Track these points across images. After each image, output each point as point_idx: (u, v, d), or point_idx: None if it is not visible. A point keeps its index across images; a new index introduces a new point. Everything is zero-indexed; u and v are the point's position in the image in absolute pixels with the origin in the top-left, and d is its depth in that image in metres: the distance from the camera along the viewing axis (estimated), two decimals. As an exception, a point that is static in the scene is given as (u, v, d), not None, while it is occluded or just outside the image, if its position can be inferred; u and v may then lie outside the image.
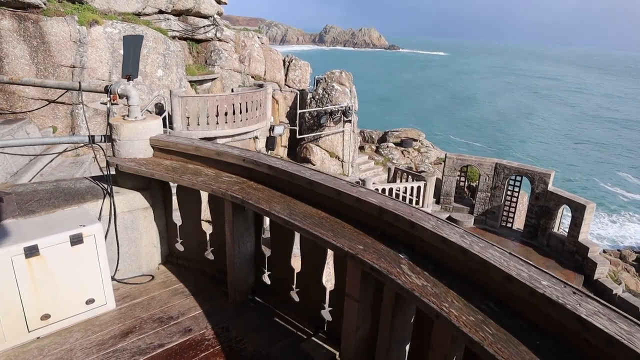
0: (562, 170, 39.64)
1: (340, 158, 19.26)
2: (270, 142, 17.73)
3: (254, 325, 3.54)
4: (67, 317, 3.42)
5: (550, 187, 15.49)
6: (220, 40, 17.30)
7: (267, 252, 3.84)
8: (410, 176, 17.67)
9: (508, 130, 58.69)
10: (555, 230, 15.80)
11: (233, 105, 14.62)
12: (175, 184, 3.92)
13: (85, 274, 3.45)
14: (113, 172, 4.08)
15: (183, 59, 14.88)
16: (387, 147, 23.17)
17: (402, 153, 23.09)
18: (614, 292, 13.62)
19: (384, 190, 16.44)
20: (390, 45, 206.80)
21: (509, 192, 16.78)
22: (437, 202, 18.00)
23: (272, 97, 18.37)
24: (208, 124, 14.24)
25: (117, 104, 4.07)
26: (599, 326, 1.67)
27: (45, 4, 11.04)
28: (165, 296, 3.92)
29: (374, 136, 24.54)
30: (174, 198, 4.29)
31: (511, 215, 16.96)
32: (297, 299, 3.62)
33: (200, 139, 13.69)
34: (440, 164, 21.01)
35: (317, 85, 19.40)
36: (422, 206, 16.68)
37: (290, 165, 3.43)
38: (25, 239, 3.13)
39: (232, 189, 3.41)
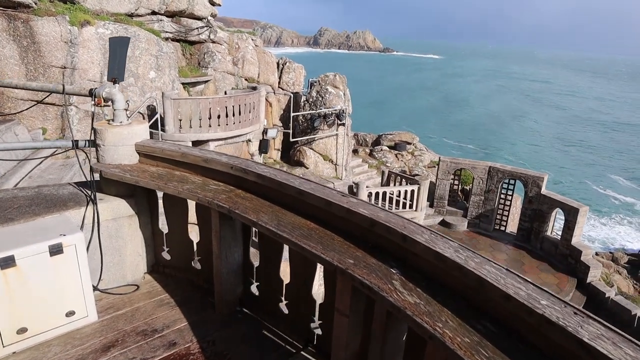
0: (554, 172, 39.82)
1: (334, 161, 19.16)
2: (264, 145, 17.61)
3: (241, 338, 3.42)
4: (46, 330, 3.27)
5: (544, 191, 15.51)
6: (213, 42, 17.15)
7: (256, 262, 3.72)
8: (404, 179, 17.61)
9: (500, 133, 58.97)
10: (548, 233, 15.82)
11: (226, 107, 14.48)
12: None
13: (66, 286, 3.31)
14: (97, 178, 3.95)
15: (176, 61, 14.72)
16: (381, 150, 23.08)
17: (396, 156, 23.03)
18: (606, 295, 13.62)
19: (377, 194, 16.36)
20: (384, 48, 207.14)
21: (502, 196, 16.78)
22: (431, 206, 17.96)
23: (266, 99, 18.24)
24: (201, 126, 14.08)
25: (102, 109, 3.94)
26: (602, 351, 1.58)
27: (36, 4, 10.86)
28: (150, 307, 3.78)
29: (367, 139, 24.45)
30: (161, 204, 4.16)
31: (504, 218, 16.96)
32: (286, 311, 3.50)
33: (193, 141, 13.65)
34: (434, 167, 20.98)
35: (311, 88, 19.27)
36: (416, 210, 16.62)
37: (280, 173, 3.31)
38: (1, 249, 2.99)
39: (219, 198, 3.29)
